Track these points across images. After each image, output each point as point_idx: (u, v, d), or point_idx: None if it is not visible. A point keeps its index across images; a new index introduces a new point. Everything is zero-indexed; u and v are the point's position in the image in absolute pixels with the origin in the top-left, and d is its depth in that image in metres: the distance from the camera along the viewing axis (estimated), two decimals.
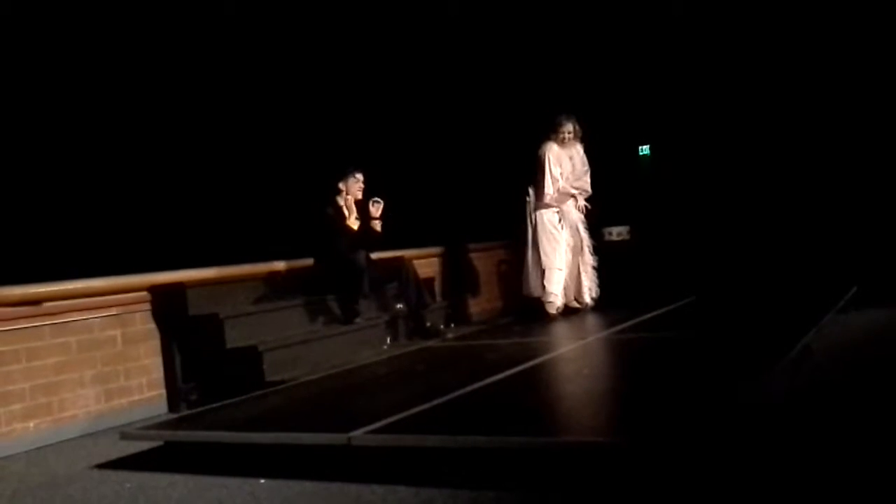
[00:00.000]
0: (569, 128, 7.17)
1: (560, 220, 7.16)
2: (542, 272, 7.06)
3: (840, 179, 8.53)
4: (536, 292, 7.12)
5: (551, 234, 7.12)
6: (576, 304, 7.22)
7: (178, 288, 5.47)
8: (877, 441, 3.07)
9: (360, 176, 6.31)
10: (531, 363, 4.73)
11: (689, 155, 9.36)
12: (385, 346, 6.16)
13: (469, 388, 4.10)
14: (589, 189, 7.32)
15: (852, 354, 4.85)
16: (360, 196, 6.28)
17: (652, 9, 9.01)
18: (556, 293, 7.05)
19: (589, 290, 7.23)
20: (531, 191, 7.24)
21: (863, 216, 8.34)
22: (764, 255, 8.49)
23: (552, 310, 7.06)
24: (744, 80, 8.88)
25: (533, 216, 7.20)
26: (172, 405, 5.31)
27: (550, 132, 7.20)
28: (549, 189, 7.09)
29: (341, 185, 6.27)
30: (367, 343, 6.09)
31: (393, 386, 4.69)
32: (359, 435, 3.37)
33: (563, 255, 7.11)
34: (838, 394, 3.88)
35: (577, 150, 7.27)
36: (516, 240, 7.87)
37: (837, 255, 8.07)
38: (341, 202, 6.25)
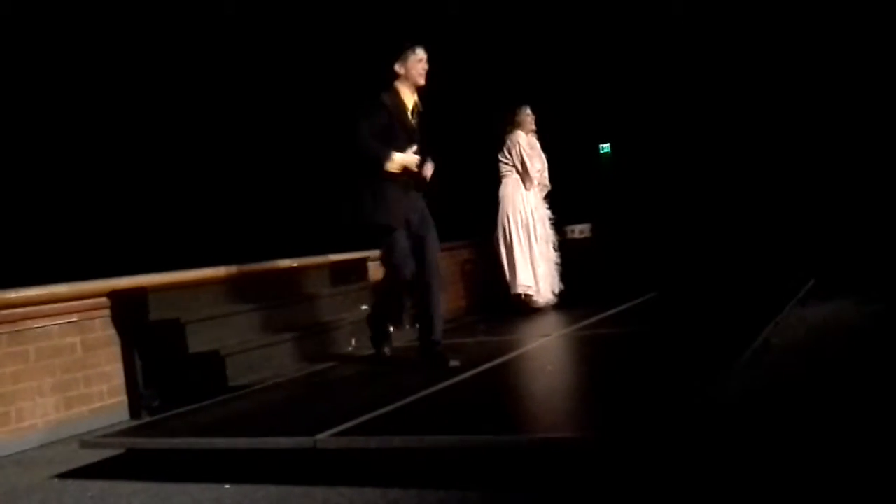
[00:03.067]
0: (528, 112, 7.24)
1: (534, 212, 7.22)
2: (532, 266, 7.10)
3: (796, 172, 8.68)
4: (524, 287, 7.11)
5: (532, 226, 7.16)
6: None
7: (139, 293, 5.40)
8: (838, 435, 3.13)
9: (421, 52, 4.89)
10: (495, 362, 4.75)
11: (648, 152, 9.46)
12: (350, 348, 6.14)
13: (434, 388, 4.11)
14: (548, 183, 7.40)
15: (811, 348, 4.93)
16: (422, 82, 4.89)
17: (613, 7, 9.09)
18: (542, 286, 7.12)
19: (553, 285, 7.27)
20: (507, 182, 7.23)
21: (819, 208, 8.49)
22: (723, 249, 8.62)
23: (539, 304, 7.13)
24: (700, 77, 9.00)
25: (510, 209, 7.20)
26: (134, 412, 5.24)
27: (515, 120, 7.23)
28: (532, 178, 7.16)
29: (398, 68, 4.87)
30: (333, 345, 6.07)
31: (358, 387, 4.67)
32: (324, 438, 3.36)
33: (544, 248, 7.20)
34: (797, 388, 3.95)
35: (535, 142, 7.34)
36: (482, 238, 7.89)
37: (795, 247, 8.22)
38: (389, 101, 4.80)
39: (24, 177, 5.72)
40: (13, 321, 4.78)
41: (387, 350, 5.34)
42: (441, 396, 3.99)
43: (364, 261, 7.05)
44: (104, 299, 5.28)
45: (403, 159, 4.81)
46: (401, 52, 4.89)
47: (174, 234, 6.33)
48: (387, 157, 4.75)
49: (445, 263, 8.40)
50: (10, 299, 4.78)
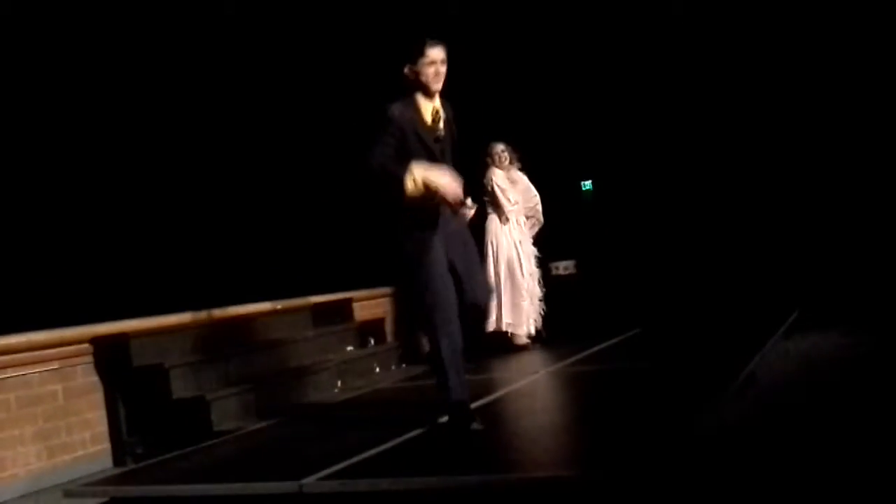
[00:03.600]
0: (499, 148, 7.21)
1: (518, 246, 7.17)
2: (515, 302, 7.02)
3: (778, 204, 8.77)
4: (507, 324, 7.00)
5: (517, 261, 7.11)
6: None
7: (120, 339, 5.35)
8: (823, 466, 3.13)
9: (433, 53, 4.02)
10: (484, 400, 4.72)
11: (631, 189, 9.53)
12: (336, 390, 6.09)
13: (422, 430, 4.07)
14: (541, 218, 7.39)
15: (796, 381, 4.94)
16: (436, 87, 4.06)
17: (594, 44, 9.21)
18: (525, 323, 7.04)
19: (535, 322, 7.23)
20: (492, 217, 7.18)
21: (801, 239, 8.56)
22: (707, 282, 8.65)
23: (523, 340, 7.06)
24: (681, 114, 9.12)
25: (494, 244, 7.16)
26: (118, 459, 5.17)
27: (486, 158, 7.23)
28: (508, 214, 7.14)
29: (408, 71, 4.06)
30: (319, 387, 6.02)
31: (344, 430, 4.62)
32: (310, 482, 3.32)
33: (529, 283, 7.14)
34: (783, 421, 3.95)
35: (520, 177, 7.34)
36: None
37: (778, 278, 8.26)
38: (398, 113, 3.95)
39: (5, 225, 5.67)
40: None
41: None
42: (429, 437, 3.96)
43: (349, 301, 7.05)
44: (86, 346, 5.24)
45: (428, 175, 3.84)
46: (410, 53, 4.04)
47: (154, 278, 6.27)
48: (403, 171, 3.81)
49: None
50: None
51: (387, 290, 7.89)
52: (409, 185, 3.83)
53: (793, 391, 4.61)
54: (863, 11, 8.22)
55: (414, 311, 4.53)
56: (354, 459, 3.58)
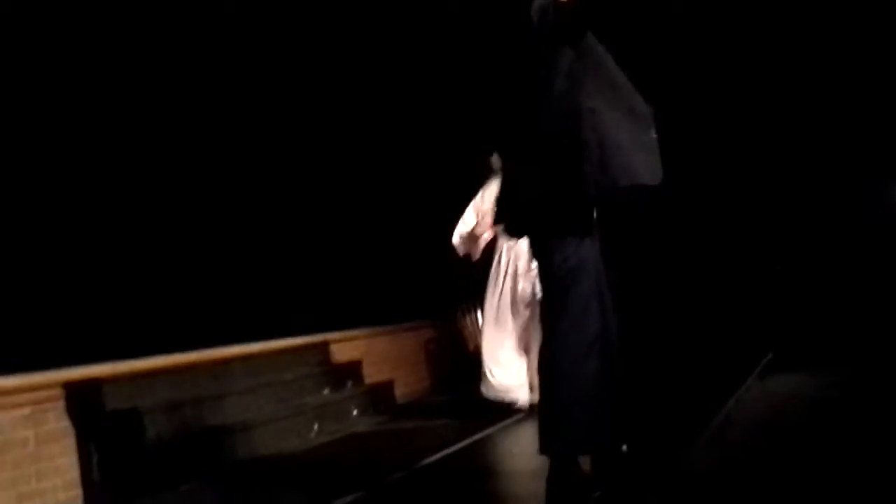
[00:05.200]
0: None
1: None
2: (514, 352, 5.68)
3: (748, 246, 8.89)
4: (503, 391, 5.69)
5: (515, 285, 5.69)
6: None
7: (94, 383, 5.27)
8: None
9: None
10: (463, 443, 4.70)
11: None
12: (312, 434, 6.03)
13: (403, 473, 4.04)
14: None
15: (772, 423, 4.95)
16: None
17: None
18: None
19: None
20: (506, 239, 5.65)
21: (773, 283, 8.67)
22: (678, 326, 8.69)
23: (523, 405, 5.70)
24: None
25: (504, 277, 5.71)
26: None
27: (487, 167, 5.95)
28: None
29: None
30: (293, 431, 5.95)
31: (321, 476, 4.58)
32: None
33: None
34: (760, 463, 3.96)
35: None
36: (445, 316, 7.78)
37: (750, 321, 8.34)
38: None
39: None
40: None
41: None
42: (412, 481, 3.93)
43: (325, 344, 7.01)
44: (58, 390, 5.14)
45: None
46: None
47: (127, 319, 6.20)
48: None
49: (409, 344, 8.39)
50: None
51: (362, 331, 7.86)
52: None
53: (769, 433, 4.61)
54: None
55: None
56: None
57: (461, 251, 5.89)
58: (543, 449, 3.07)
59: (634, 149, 2.97)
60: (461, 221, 5.91)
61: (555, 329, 3.07)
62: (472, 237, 5.79)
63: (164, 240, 6.76)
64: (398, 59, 8.27)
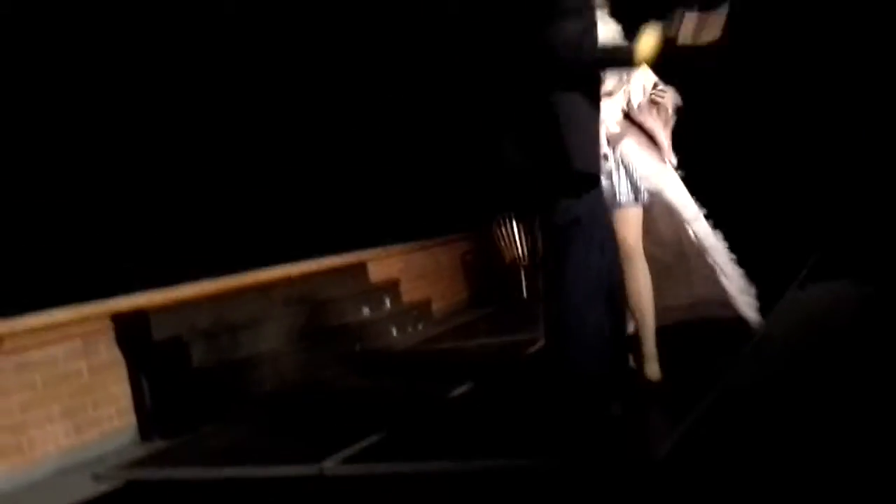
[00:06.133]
0: None
1: None
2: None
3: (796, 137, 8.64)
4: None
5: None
6: None
7: (140, 313, 5.42)
8: (843, 438, 3.14)
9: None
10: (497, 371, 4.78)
11: None
12: (357, 348, 6.16)
13: (443, 399, 4.13)
14: None
15: (814, 340, 4.84)
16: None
17: None
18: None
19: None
20: None
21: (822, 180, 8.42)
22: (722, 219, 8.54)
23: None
24: None
25: None
26: (144, 433, 5.29)
27: None
28: None
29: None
30: (340, 349, 6.08)
31: (362, 403, 4.70)
32: (330, 465, 3.41)
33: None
34: (798, 387, 3.92)
35: None
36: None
37: (797, 218, 8.12)
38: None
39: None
40: (19, 351, 4.82)
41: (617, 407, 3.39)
42: (454, 406, 4.01)
43: (363, 264, 7.09)
44: (107, 322, 5.31)
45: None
46: None
47: (166, 246, 6.29)
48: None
49: (446, 258, 8.44)
50: (14, 329, 4.82)
51: (400, 247, 7.91)
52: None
53: (809, 355, 4.53)
54: None
55: None
56: (374, 439, 3.65)
57: None
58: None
59: None
60: None
61: (561, 280, 3.17)
62: None
63: (199, 166, 6.79)
64: None
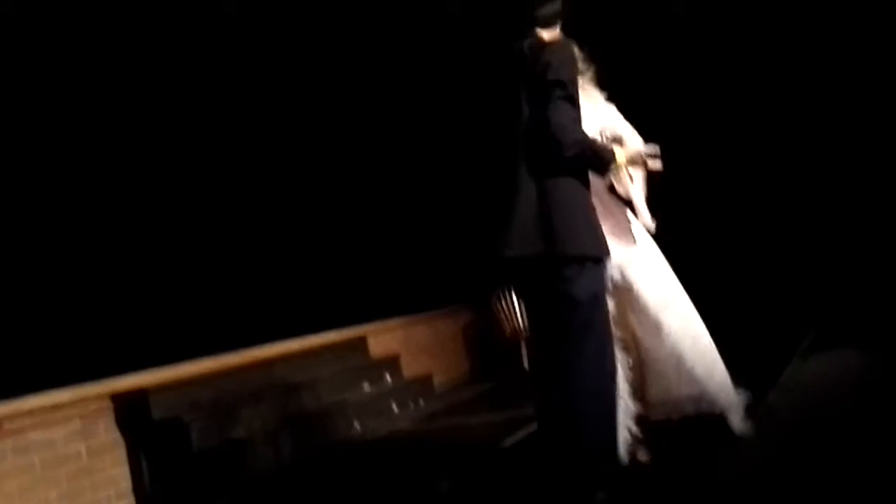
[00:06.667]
0: None
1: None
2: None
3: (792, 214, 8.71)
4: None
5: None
6: None
7: (139, 392, 5.39)
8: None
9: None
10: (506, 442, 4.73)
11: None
12: (353, 433, 6.10)
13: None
14: None
15: (818, 412, 4.80)
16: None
17: None
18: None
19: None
20: None
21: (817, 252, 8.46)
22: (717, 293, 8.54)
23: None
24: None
25: None
26: None
27: None
28: None
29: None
30: (338, 428, 6.03)
31: (364, 477, 4.64)
32: None
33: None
34: (803, 467, 3.84)
35: None
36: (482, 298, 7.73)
37: (793, 293, 8.15)
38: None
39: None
40: (18, 433, 4.76)
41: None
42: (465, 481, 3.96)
43: (363, 338, 7.06)
44: (107, 402, 5.27)
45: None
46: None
47: (164, 325, 6.29)
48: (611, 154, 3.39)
49: (447, 329, 8.40)
50: (14, 411, 4.78)
51: (400, 320, 7.88)
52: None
53: (815, 427, 4.47)
54: None
55: None
56: None
57: None
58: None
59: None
60: None
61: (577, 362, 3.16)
62: None
63: (195, 242, 6.84)
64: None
